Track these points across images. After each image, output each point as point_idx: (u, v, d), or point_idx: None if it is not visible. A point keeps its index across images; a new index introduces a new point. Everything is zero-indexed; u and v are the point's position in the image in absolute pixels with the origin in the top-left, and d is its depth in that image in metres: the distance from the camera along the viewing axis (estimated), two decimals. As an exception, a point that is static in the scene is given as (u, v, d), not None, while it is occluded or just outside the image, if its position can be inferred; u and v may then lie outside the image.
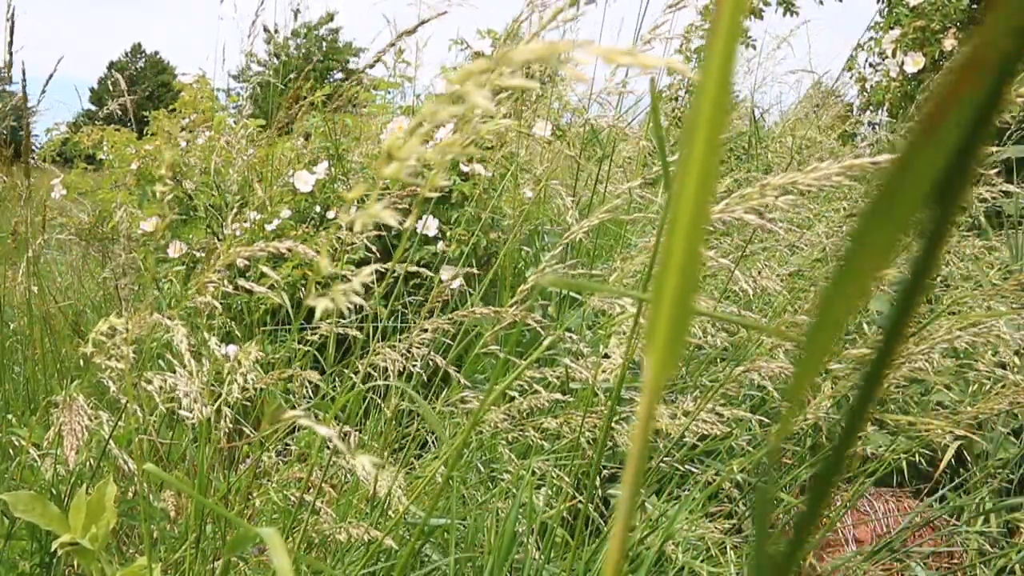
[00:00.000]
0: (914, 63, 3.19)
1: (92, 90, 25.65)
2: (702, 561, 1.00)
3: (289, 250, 0.63)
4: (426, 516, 0.66)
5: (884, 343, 0.13)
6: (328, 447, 1.01)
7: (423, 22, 1.40)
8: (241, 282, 0.80)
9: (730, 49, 0.13)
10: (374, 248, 1.37)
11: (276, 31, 3.05)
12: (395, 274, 1.07)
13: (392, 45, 1.57)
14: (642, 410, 0.15)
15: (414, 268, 0.99)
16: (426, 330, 0.85)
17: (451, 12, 1.65)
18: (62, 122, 2.86)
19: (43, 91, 1.50)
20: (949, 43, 3.15)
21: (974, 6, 3.45)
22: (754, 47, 3.82)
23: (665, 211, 0.56)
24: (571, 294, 1.58)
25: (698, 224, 0.14)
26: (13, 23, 1.35)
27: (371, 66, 1.70)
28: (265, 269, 0.74)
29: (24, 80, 1.57)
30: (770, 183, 0.52)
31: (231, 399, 0.76)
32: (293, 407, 1.40)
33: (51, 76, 1.54)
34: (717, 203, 0.57)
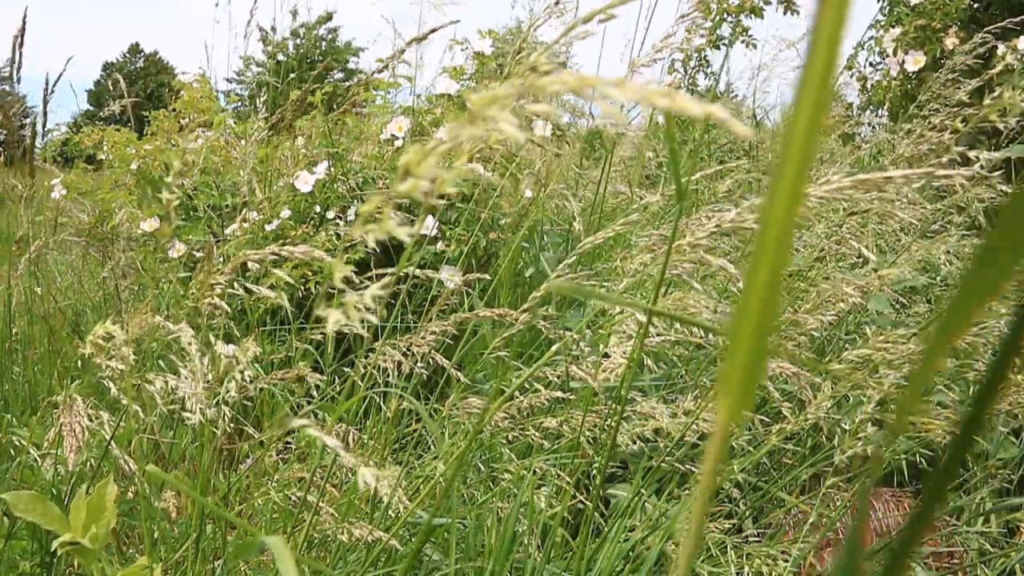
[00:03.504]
0: (915, 62, 3.18)
1: (89, 92, 25.57)
2: (702, 561, 1.00)
3: (304, 255, 0.63)
4: (429, 518, 0.66)
5: (992, 374, 0.13)
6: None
7: (434, 30, 1.40)
8: (246, 284, 0.80)
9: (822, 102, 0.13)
10: (374, 247, 1.37)
11: (273, 30, 3.05)
12: (406, 281, 1.07)
13: (402, 52, 1.57)
14: (709, 455, 0.15)
15: (419, 273, 0.99)
16: (433, 332, 0.85)
17: (450, 12, 1.65)
18: (61, 123, 2.86)
19: (48, 98, 1.50)
20: (950, 42, 3.15)
21: (975, 5, 3.45)
22: (755, 46, 3.82)
23: (675, 226, 0.57)
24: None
25: (777, 271, 0.14)
26: (24, 25, 1.35)
27: (379, 71, 1.69)
28: (273, 270, 0.74)
29: (31, 81, 1.57)
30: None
31: (230, 398, 0.76)
32: (293, 407, 1.40)
33: (59, 76, 1.55)
34: (727, 211, 0.57)
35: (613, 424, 0.96)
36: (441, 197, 0.32)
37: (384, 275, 1.19)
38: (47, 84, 1.53)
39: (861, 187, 0.46)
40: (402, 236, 0.28)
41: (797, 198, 0.14)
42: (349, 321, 0.31)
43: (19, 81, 1.59)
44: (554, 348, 0.64)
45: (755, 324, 0.14)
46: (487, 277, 1.18)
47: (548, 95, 0.24)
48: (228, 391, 0.74)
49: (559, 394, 0.95)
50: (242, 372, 0.75)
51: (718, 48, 3.85)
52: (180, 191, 2.06)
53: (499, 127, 0.25)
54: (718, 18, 3.82)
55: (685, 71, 3.95)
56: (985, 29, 1.48)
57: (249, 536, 0.96)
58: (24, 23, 1.38)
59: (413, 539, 1.06)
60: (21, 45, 1.40)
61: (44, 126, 1.55)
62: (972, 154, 0.99)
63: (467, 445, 0.60)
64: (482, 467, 1.19)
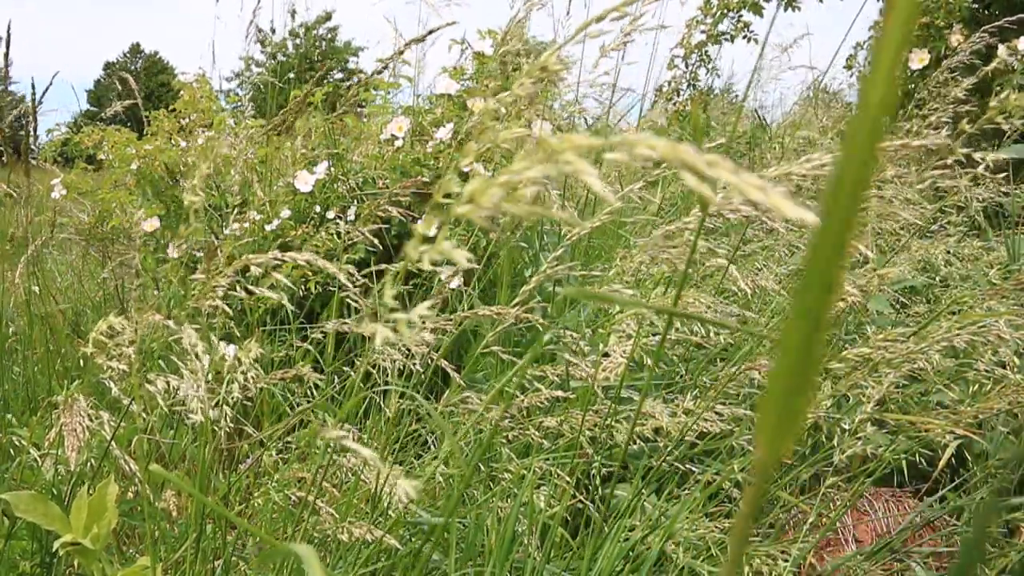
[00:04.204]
0: (919, 60, 3.18)
1: (89, 92, 25.55)
2: (702, 561, 1.00)
3: (308, 262, 0.63)
4: (443, 518, 0.66)
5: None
6: (331, 448, 1.01)
7: (431, 31, 1.40)
8: (247, 286, 0.80)
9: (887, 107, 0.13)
10: (376, 243, 1.37)
11: (272, 31, 3.04)
12: (408, 281, 1.07)
13: (401, 53, 1.57)
14: (745, 505, 0.15)
15: (423, 268, 0.99)
16: (432, 331, 0.85)
17: (450, 12, 1.65)
18: (61, 123, 2.86)
19: (41, 101, 1.50)
20: (955, 39, 3.15)
21: (975, 5, 3.45)
22: (756, 40, 3.82)
23: (696, 237, 0.57)
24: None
25: (824, 309, 0.13)
26: (10, 32, 1.36)
27: (379, 72, 1.69)
28: (273, 272, 0.74)
29: (33, 85, 1.57)
30: (766, 175, 0.53)
31: (231, 399, 0.76)
32: (293, 407, 1.40)
33: (48, 86, 1.55)
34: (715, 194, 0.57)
35: (621, 425, 0.96)
36: (447, 196, 0.32)
37: (382, 272, 1.18)
38: (34, 89, 1.53)
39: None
40: (460, 260, 0.28)
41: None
42: (400, 338, 0.31)
43: (10, 85, 1.60)
44: (546, 337, 0.64)
45: (794, 360, 0.13)
46: (478, 267, 1.17)
47: (639, 158, 0.24)
48: (231, 391, 0.74)
49: (559, 393, 0.95)
50: (244, 373, 0.75)
51: (719, 43, 3.85)
52: (178, 189, 2.05)
53: (581, 176, 0.25)
54: (719, 14, 3.82)
55: (686, 66, 3.95)
56: (983, 28, 1.48)
57: (251, 537, 0.96)
58: (8, 31, 1.39)
59: (412, 538, 1.06)
60: (7, 51, 1.41)
61: (35, 129, 1.56)
62: (977, 156, 0.99)
63: (487, 439, 0.61)
64: (482, 467, 1.19)
